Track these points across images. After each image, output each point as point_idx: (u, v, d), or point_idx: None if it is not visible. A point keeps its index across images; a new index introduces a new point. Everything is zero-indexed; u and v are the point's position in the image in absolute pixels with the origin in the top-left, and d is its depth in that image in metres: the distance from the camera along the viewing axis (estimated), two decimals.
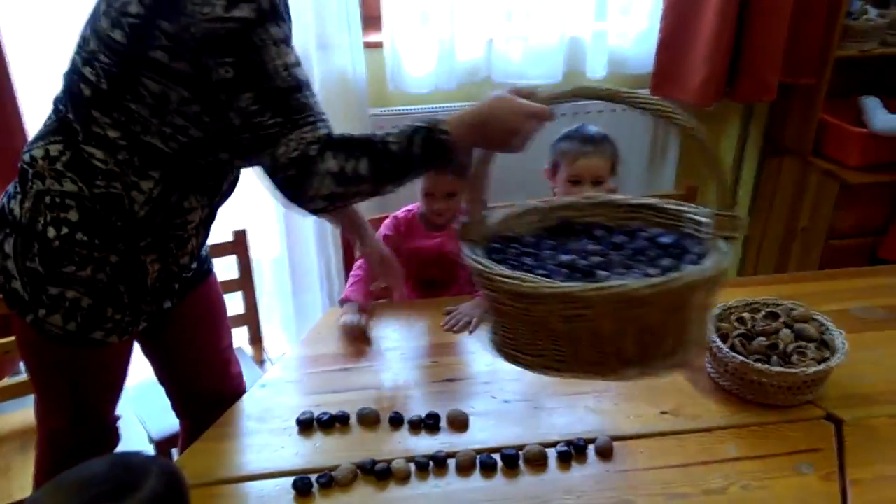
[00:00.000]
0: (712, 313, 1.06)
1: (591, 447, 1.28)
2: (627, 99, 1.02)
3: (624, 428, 1.32)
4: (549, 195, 1.86)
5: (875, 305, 1.67)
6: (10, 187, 1.21)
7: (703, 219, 1.09)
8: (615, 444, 1.28)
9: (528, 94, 1.08)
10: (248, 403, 1.41)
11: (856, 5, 2.40)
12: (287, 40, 1.04)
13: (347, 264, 1.99)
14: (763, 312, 1.53)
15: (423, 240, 1.79)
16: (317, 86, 2.20)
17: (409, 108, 2.34)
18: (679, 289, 0.94)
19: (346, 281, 1.93)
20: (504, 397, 1.42)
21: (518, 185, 1.86)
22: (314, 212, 1.11)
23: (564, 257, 1.10)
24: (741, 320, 1.50)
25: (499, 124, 1.06)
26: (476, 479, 1.23)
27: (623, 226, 1.22)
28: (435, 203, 1.73)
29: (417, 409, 1.36)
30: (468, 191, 1.15)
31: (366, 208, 1.54)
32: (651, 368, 1.02)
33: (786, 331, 1.46)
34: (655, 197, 1.25)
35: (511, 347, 1.06)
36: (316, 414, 1.34)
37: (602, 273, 1.04)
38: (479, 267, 1.01)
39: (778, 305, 1.55)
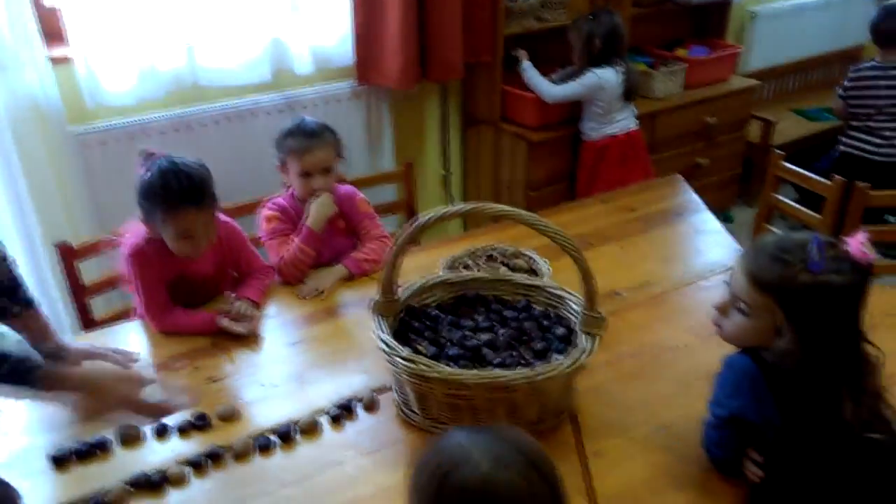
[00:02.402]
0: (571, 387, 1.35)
1: (358, 404, 1.39)
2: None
3: (385, 380, 1.44)
4: (283, 189, 1.92)
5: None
6: None
7: (578, 309, 1.31)
8: (379, 396, 1.40)
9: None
10: None
11: None
12: None
13: (77, 302, 1.84)
14: (483, 257, 1.77)
15: (182, 264, 1.65)
16: (1, 110, 2.00)
17: (114, 122, 2.23)
18: (539, 380, 1.18)
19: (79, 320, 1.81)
20: (272, 382, 1.47)
21: (254, 181, 1.89)
22: None
23: (457, 334, 1.36)
24: (466, 266, 1.73)
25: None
26: (256, 462, 1.27)
27: (518, 300, 1.48)
28: (188, 244, 1.60)
29: (185, 415, 1.35)
30: (384, 274, 1.32)
31: None
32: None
33: (503, 268, 1.71)
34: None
35: (407, 407, 1.34)
36: (72, 447, 1.27)
37: (486, 352, 1.32)
38: (383, 346, 1.25)
39: (494, 249, 1.80)
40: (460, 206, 1.26)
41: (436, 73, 2.68)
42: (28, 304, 1.41)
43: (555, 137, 2.82)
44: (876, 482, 1.07)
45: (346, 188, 1.96)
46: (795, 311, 1.05)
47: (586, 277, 1.22)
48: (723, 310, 1.15)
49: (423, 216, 1.27)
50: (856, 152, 2.99)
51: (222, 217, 1.73)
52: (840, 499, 1.08)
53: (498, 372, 1.22)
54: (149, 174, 1.56)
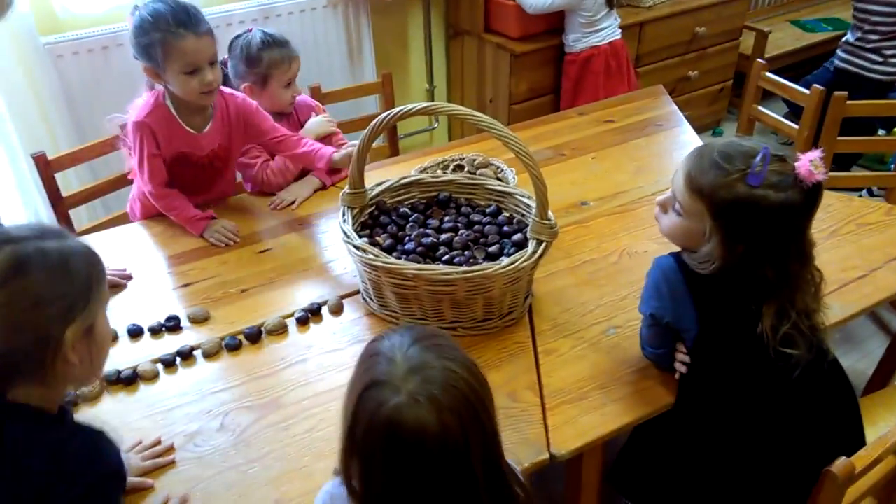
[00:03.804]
0: (523, 290, 1.37)
1: (324, 308, 1.44)
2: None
3: (351, 285, 1.49)
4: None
5: (540, 148, 2.02)
6: None
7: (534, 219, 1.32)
8: (344, 301, 1.46)
9: None
10: None
11: None
12: None
13: (58, 213, 1.87)
14: (452, 166, 1.79)
15: (187, 140, 1.65)
16: None
17: (85, 32, 2.20)
18: (475, 278, 1.22)
19: None
20: (241, 287, 1.52)
21: None
22: None
23: (418, 231, 1.42)
24: (435, 175, 1.74)
25: None
26: (224, 360, 1.33)
27: (489, 205, 1.52)
28: (197, 82, 1.55)
29: (157, 318, 1.41)
30: (352, 168, 1.37)
31: None
32: (464, 331, 1.33)
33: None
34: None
35: (367, 295, 1.41)
36: None
37: (442, 250, 1.37)
38: (342, 233, 1.32)
39: (463, 158, 1.81)
40: (417, 105, 1.28)
41: None
42: None
43: (538, 49, 2.75)
44: (788, 394, 1.10)
45: (304, 98, 1.98)
46: (724, 220, 1.03)
47: (536, 183, 1.24)
48: (663, 206, 1.16)
49: (385, 114, 1.31)
50: (851, 68, 2.90)
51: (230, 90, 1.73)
52: (754, 403, 1.11)
53: (440, 267, 1.26)
54: (138, 13, 1.52)
